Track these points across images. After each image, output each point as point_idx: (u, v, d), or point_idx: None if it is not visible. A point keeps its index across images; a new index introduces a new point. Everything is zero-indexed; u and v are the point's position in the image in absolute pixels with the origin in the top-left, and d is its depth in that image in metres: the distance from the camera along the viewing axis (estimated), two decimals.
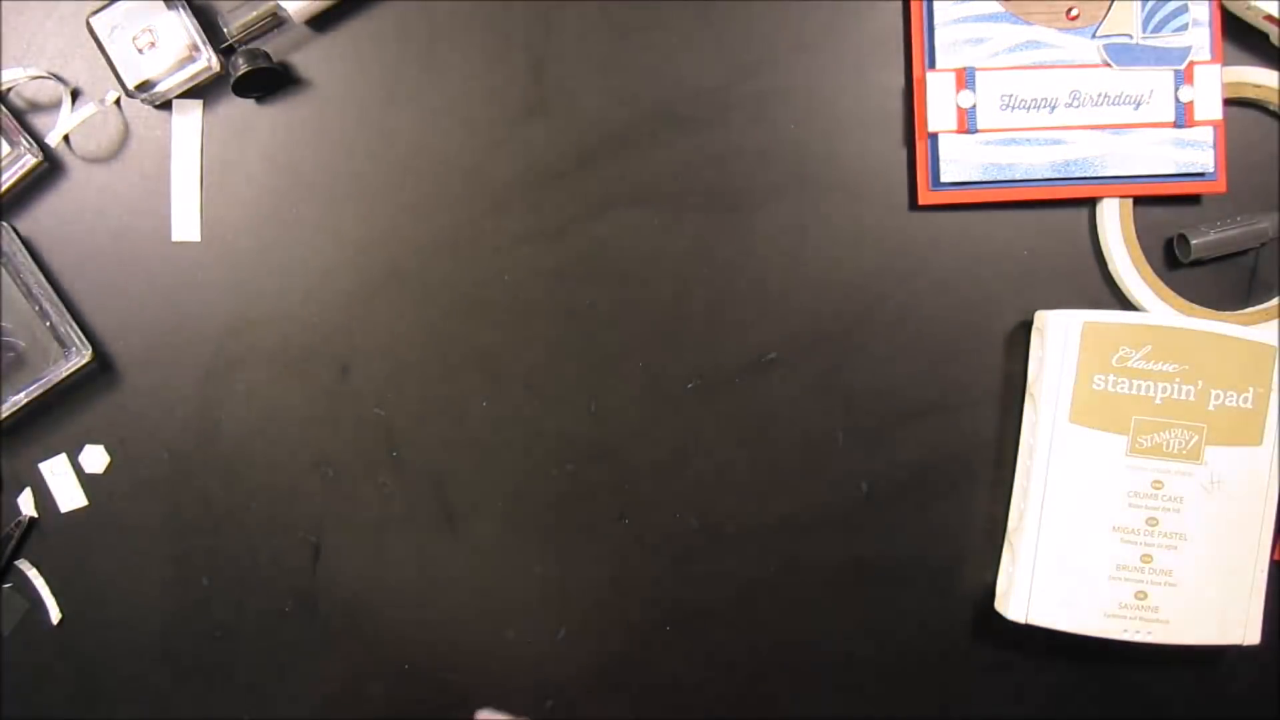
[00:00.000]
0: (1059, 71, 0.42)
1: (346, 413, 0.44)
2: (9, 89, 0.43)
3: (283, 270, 0.44)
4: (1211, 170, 0.43)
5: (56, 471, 0.45)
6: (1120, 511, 0.43)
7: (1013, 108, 0.42)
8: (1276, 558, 0.44)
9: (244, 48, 0.42)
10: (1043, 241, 0.45)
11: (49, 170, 0.43)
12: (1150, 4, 0.41)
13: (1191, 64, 0.42)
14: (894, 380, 0.45)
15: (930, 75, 0.43)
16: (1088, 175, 0.43)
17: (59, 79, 0.43)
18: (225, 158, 0.44)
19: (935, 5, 0.43)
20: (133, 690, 0.45)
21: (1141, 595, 0.43)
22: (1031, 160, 0.43)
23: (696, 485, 0.45)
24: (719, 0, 0.44)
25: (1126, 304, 0.45)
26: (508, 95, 0.44)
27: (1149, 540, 0.43)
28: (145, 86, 0.42)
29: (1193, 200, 0.45)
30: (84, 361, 0.43)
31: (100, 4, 0.41)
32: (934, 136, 0.43)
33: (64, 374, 0.42)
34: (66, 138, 0.43)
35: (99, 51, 0.41)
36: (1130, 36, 0.41)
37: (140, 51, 0.42)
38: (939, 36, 0.43)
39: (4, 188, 0.42)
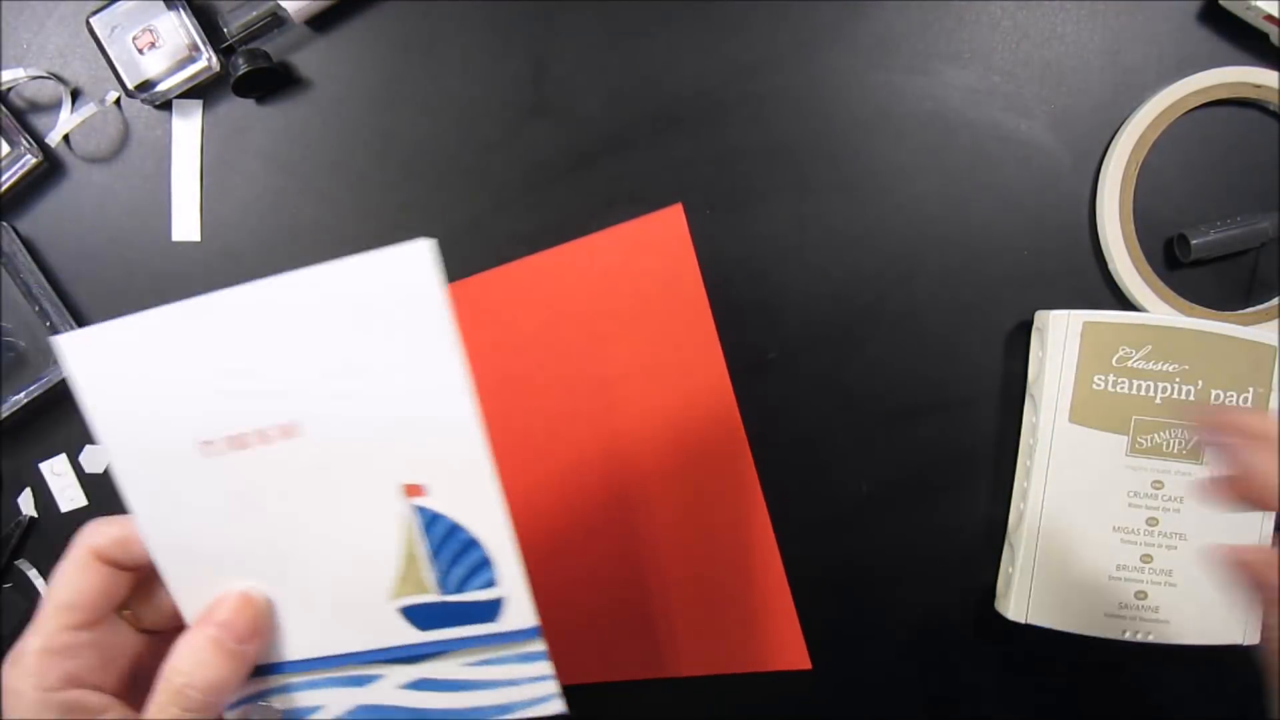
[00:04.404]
0: None
1: None
2: (9, 89, 0.43)
3: (282, 270, 0.44)
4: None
5: (56, 471, 0.45)
6: (1120, 511, 0.43)
7: None
8: None
9: (244, 48, 0.42)
10: (1043, 241, 0.45)
11: (49, 170, 0.43)
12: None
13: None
14: (894, 380, 0.45)
15: None
16: None
17: (59, 79, 0.43)
18: (225, 158, 0.44)
19: None
20: None
21: (1141, 595, 0.43)
22: None
23: None
24: (719, 0, 0.44)
25: (1126, 304, 0.45)
26: (508, 95, 0.45)
27: (1149, 540, 0.43)
28: (145, 86, 0.42)
29: (1191, 201, 0.45)
30: None
31: (100, 4, 0.41)
32: None
33: (64, 374, 0.42)
34: (66, 138, 0.43)
35: (99, 51, 0.41)
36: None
37: (140, 51, 0.42)
38: None
39: (4, 188, 0.42)
